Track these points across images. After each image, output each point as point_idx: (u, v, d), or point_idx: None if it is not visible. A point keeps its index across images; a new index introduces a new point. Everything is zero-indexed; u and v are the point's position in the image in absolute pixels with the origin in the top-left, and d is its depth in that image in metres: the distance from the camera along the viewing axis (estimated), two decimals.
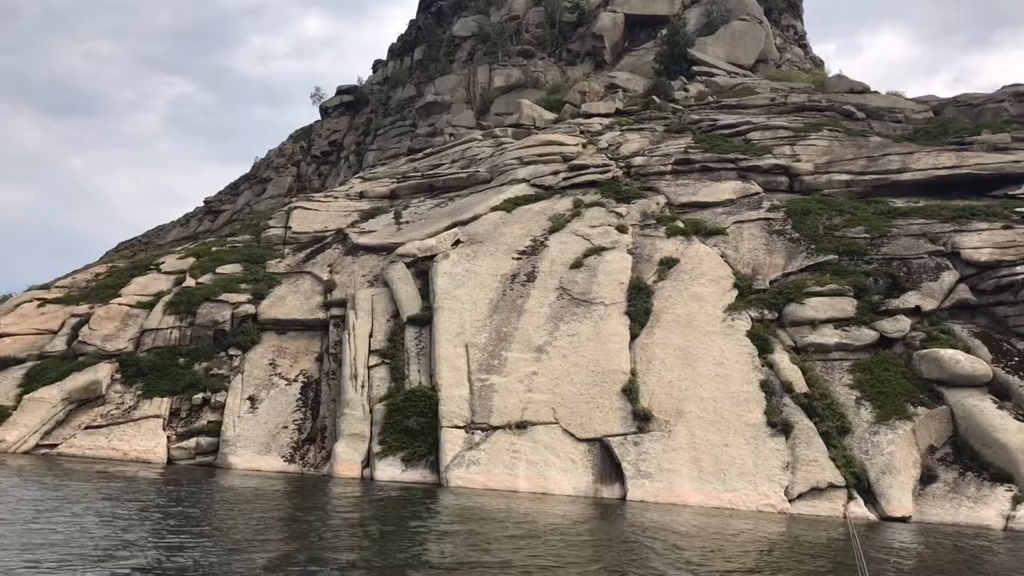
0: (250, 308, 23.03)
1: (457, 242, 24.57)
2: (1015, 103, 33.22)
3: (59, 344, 22.43)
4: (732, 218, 25.07)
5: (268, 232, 29.56)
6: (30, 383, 20.84)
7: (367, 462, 18.08)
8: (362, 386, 19.69)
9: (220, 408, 20.14)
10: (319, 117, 63.82)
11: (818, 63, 54.79)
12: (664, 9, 50.55)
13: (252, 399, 20.39)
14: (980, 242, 21.58)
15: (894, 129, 32.50)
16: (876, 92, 38.39)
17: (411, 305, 21.91)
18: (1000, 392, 17.87)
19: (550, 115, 39.92)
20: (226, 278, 24.91)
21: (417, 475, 17.49)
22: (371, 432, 18.58)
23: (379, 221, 28.43)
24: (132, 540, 10.05)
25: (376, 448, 18.13)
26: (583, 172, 28.91)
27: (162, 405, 20.27)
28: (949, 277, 20.82)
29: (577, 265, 22.57)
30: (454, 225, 25.55)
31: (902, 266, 21.57)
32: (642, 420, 17.70)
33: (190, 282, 24.73)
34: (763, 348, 19.43)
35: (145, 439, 19.45)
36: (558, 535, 12.43)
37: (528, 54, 51.45)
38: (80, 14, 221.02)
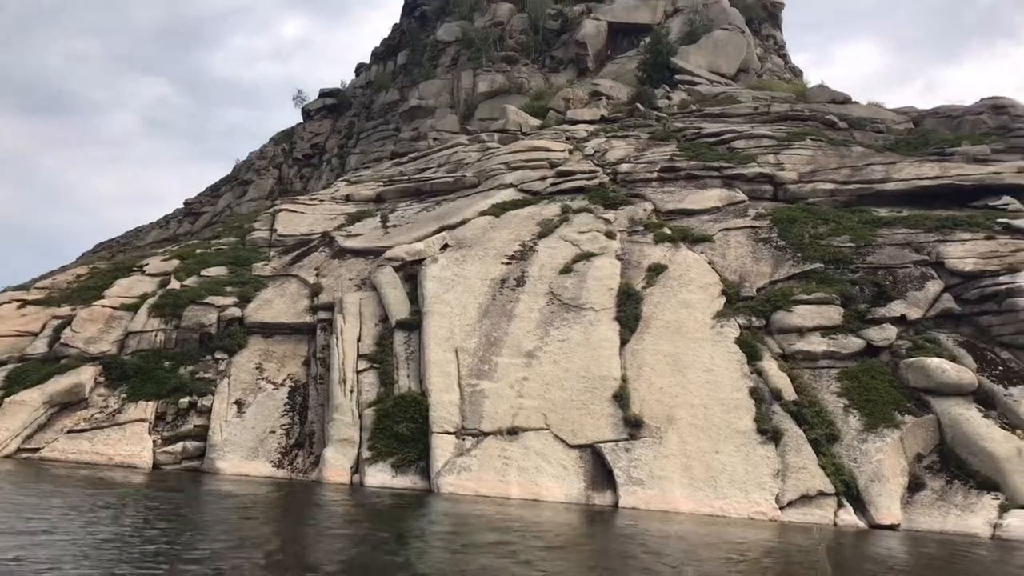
0: (236, 311, 22.80)
1: (445, 246, 24.50)
2: (993, 115, 33.68)
3: (40, 346, 22.04)
4: (718, 225, 25.23)
5: (253, 234, 29.31)
6: (11, 386, 20.39)
7: (356, 468, 17.94)
8: (351, 391, 19.55)
9: (206, 412, 19.88)
10: (301, 120, 63.49)
11: (797, 73, 55.30)
12: (647, 18, 50.95)
13: (239, 403, 20.17)
14: (964, 252, 21.87)
15: (876, 139, 32.83)
16: (857, 103, 38.82)
17: (400, 309, 21.80)
18: (985, 401, 18.08)
19: (535, 121, 39.96)
20: (212, 281, 24.65)
21: (407, 481, 17.37)
22: (360, 437, 18.43)
23: (366, 224, 28.30)
24: (114, 545, 9.86)
25: (366, 454, 17.99)
26: (570, 178, 28.97)
27: (147, 409, 19.97)
28: (934, 286, 21.07)
29: (567, 270, 22.58)
30: (442, 229, 25.46)
31: (887, 275, 21.80)
32: (633, 426, 17.72)
33: (175, 284, 24.42)
34: (752, 355, 19.54)
35: (130, 443, 19.15)
36: (550, 542, 12.39)
37: (512, 60, 51.59)
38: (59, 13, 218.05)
